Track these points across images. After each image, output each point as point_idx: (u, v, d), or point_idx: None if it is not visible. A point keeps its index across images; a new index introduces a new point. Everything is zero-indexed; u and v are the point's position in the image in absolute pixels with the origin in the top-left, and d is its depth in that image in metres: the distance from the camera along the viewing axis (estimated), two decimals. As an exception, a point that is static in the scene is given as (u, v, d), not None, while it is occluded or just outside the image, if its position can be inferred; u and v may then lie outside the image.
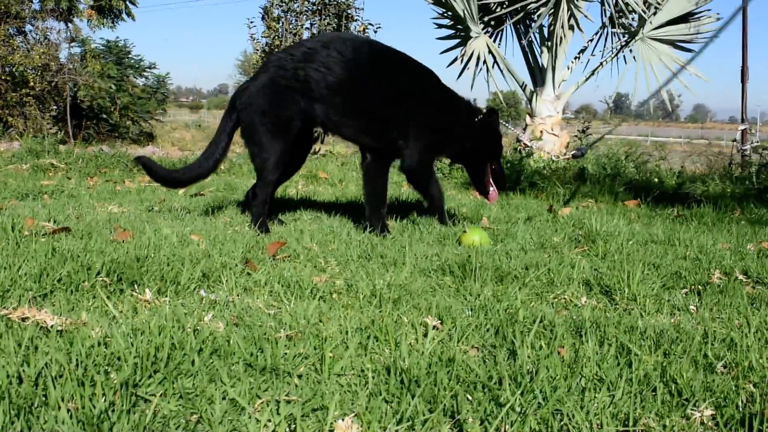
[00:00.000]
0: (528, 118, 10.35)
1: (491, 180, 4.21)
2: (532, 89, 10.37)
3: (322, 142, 10.52)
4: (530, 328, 2.10)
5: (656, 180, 7.20)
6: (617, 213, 5.02)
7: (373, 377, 1.71)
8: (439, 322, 2.18)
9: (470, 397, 1.61)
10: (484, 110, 4.22)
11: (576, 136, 10.38)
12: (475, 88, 10.66)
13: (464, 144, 4.11)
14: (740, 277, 2.93)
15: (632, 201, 5.77)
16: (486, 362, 1.87)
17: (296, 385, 1.66)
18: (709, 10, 10.18)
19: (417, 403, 1.54)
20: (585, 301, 2.56)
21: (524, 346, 1.94)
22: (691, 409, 1.57)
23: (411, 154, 3.93)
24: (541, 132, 9.93)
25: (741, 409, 1.57)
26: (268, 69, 3.91)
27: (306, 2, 10.55)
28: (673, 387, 1.71)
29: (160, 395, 1.56)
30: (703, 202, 5.51)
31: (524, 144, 9.56)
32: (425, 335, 2.04)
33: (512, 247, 3.51)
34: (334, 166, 7.91)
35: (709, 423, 1.54)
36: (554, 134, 10.00)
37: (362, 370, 1.77)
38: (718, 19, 10.24)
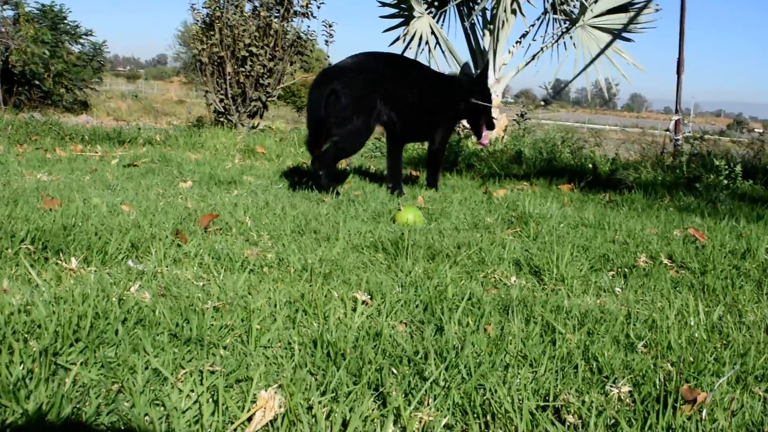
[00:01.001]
0: (468, 101, 10.39)
1: (483, 127, 5.36)
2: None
3: (261, 117, 10.41)
4: (458, 305, 2.11)
5: (590, 166, 7.30)
6: (551, 196, 5.08)
7: (300, 350, 1.71)
8: (369, 297, 2.18)
9: (395, 371, 1.62)
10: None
11: (515, 120, 10.47)
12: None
13: (464, 113, 5.27)
14: (665, 261, 3.00)
15: (566, 185, 5.85)
16: (413, 337, 1.88)
17: (221, 356, 1.64)
18: (649, 0, 10.35)
19: (342, 375, 1.54)
20: (514, 281, 2.59)
21: (451, 323, 1.96)
22: (610, 386, 1.60)
23: (439, 141, 5.15)
24: (481, 115, 9.98)
25: (658, 387, 1.61)
26: (363, 71, 4.61)
27: (248, -26, 10.38)
28: (594, 365, 1.74)
29: (81, 364, 1.53)
30: (635, 188, 5.62)
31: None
32: (354, 310, 2.04)
33: (446, 226, 3.53)
34: (272, 141, 7.85)
35: (627, 400, 1.57)
36: (494, 118, 10.07)
37: (289, 343, 1.76)
38: (657, 10, 10.42)
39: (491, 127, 5.39)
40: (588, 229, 3.68)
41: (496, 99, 10.23)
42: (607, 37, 10.22)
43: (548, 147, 7.97)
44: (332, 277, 2.41)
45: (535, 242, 3.25)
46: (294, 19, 10.40)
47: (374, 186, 5.03)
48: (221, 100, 10.03)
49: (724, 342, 2.01)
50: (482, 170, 6.67)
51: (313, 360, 1.65)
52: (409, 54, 10.22)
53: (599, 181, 6.24)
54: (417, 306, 2.15)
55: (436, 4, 10.58)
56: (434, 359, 1.67)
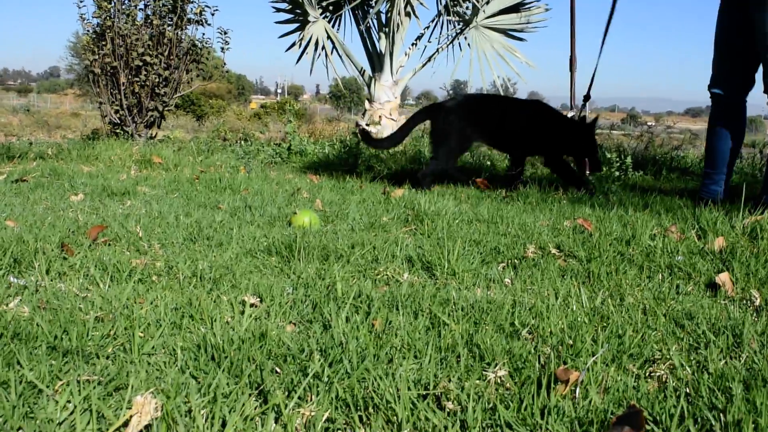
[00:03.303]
0: (367, 104, 10.48)
1: (588, 165, 5.74)
2: (371, 75, 10.50)
3: (159, 127, 10.22)
4: (347, 303, 2.13)
5: (489, 163, 7.45)
6: (448, 194, 5.15)
7: (183, 355, 1.69)
8: (259, 300, 2.18)
9: (279, 370, 1.62)
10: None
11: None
12: (316, 74, 10.75)
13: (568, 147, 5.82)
14: (553, 251, 3.08)
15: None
16: (301, 336, 1.89)
17: (103, 366, 1.61)
18: (538, 1, 10.63)
19: (222, 376, 1.54)
20: (406, 277, 2.63)
21: (339, 320, 1.97)
22: (491, 372, 1.64)
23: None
24: (380, 117, 10.07)
25: (537, 370, 1.66)
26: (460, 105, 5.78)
27: (140, -19, 10.17)
28: (477, 352, 1.78)
29: (-49, 383, 1.48)
30: (530, 183, 5.75)
31: (363, 129, 9.66)
32: (242, 313, 2.03)
33: (342, 227, 3.55)
34: (169, 151, 7.71)
35: (509, 384, 1.62)
36: (392, 119, 10.18)
37: (174, 349, 1.74)
38: (547, 9, 10.71)
39: (596, 169, 5.79)
40: (481, 224, 3.75)
41: (395, 101, 10.33)
42: (500, 37, 10.44)
43: (447, 146, 8.07)
44: (222, 282, 2.39)
45: (429, 239, 3.29)
46: (188, 27, 10.26)
47: (273, 189, 5.01)
48: (116, 111, 9.81)
49: (604, 324, 2.09)
50: (382, 171, 6.71)
51: (196, 364, 1.64)
52: (306, 59, 10.22)
53: (498, 178, 6.37)
54: (307, 306, 2.16)
55: (330, 8, 10.60)
56: (318, 356, 1.68)
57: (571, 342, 1.89)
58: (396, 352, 1.76)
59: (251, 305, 2.10)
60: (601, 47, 5.71)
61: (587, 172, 5.75)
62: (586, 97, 6.02)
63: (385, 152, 7.75)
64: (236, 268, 2.58)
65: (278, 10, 10.50)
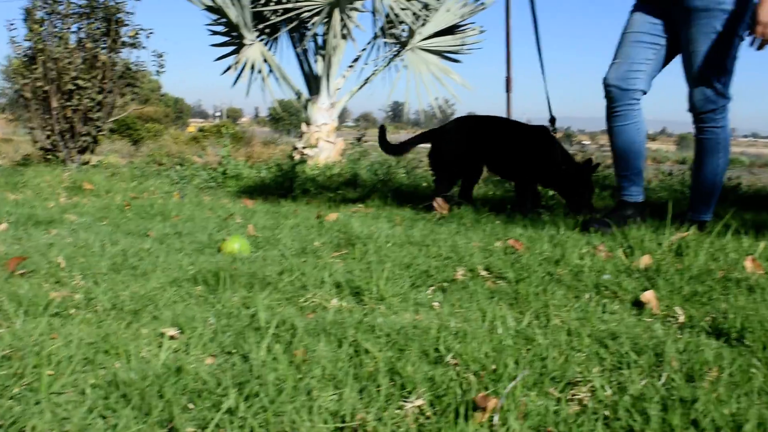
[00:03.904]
0: (304, 126, 10.45)
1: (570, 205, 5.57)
2: (308, 97, 10.48)
3: (92, 152, 10.05)
4: (269, 333, 2.09)
5: (425, 184, 7.47)
6: (383, 217, 5.14)
7: (93, 393, 1.64)
8: (179, 332, 2.13)
9: (192, 405, 1.57)
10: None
11: (352, 143, 10.60)
12: (255, 97, 10.73)
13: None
14: (483, 273, 3.08)
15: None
16: (219, 369, 1.84)
17: (7, 408, 1.55)
18: (473, 23, 10.78)
19: (131, 414, 1.49)
20: (334, 303, 2.59)
21: (259, 350, 1.93)
22: (409, 401, 1.62)
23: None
24: (317, 139, 10.06)
25: (458, 398, 1.64)
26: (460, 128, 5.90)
27: (72, 4, 10.03)
28: (398, 381, 1.76)
29: None
30: (464, 203, 5.77)
31: (300, 151, 9.64)
32: (160, 346, 1.98)
33: (272, 253, 3.50)
34: (101, 177, 7.58)
35: (428, 413, 1.60)
36: (330, 141, 10.17)
37: (83, 388, 1.68)
38: (482, 31, 10.86)
39: (578, 209, 5.35)
40: (413, 247, 3.73)
41: (332, 123, 10.32)
42: (436, 59, 10.54)
43: (384, 168, 8.10)
44: (143, 313, 2.33)
45: (360, 263, 3.27)
46: (122, 50, 10.15)
47: (205, 215, 4.94)
48: (48, 137, 9.63)
49: (529, 347, 2.08)
50: (318, 195, 6.68)
51: (106, 402, 1.58)
52: (242, 83, 10.17)
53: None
54: (229, 336, 2.11)
55: (267, 31, 10.56)
56: (234, 389, 1.64)
57: (494, 366, 1.88)
58: (316, 383, 1.72)
59: (170, 337, 2.05)
60: (542, 69, 5.63)
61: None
62: (552, 120, 5.88)
63: (321, 176, 7.74)
64: (159, 299, 2.52)
65: (214, 33, 10.43)
